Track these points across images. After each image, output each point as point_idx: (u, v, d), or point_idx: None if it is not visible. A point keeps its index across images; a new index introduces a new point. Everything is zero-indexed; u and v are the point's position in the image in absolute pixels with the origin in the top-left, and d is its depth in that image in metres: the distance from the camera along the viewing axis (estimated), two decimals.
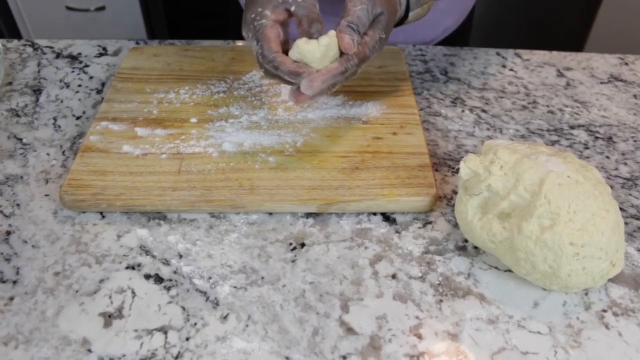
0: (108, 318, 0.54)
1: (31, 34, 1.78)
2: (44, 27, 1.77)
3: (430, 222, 0.64)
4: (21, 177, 0.68)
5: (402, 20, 0.70)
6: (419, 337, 0.53)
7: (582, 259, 0.53)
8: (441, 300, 0.56)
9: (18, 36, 1.76)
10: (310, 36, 0.61)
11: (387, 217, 0.64)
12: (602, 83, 0.86)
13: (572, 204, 0.54)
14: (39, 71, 0.85)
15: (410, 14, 0.70)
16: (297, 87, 0.62)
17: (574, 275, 0.53)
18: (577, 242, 0.52)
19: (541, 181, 0.55)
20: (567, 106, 0.81)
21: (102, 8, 1.74)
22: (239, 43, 0.90)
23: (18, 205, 0.64)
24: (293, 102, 0.64)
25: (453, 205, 0.66)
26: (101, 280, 0.57)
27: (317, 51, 0.59)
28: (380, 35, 0.63)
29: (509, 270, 0.59)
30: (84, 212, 0.63)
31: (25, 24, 1.77)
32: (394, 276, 0.58)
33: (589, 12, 1.96)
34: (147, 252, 0.59)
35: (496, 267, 0.59)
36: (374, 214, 0.64)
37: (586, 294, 0.57)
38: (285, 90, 0.76)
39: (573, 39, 2.04)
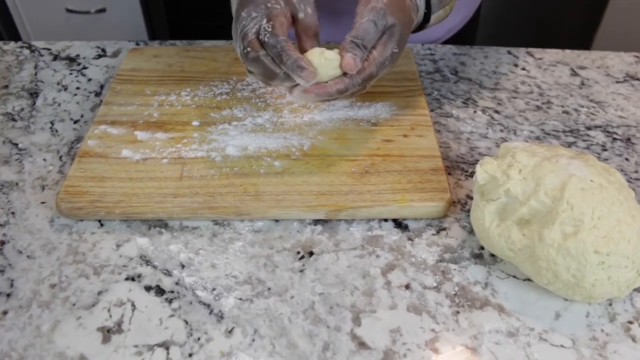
0: (107, 333, 0.51)
1: (31, 36, 1.76)
2: (43, 29, 1.75)
3: (444, 229, 0.61)
4: (16, 184, 0.65)
5: (422, 25, 0.66)
6: (436, 351, 0.50)
7: (607, 268, 0.50)
8: (458, 312, 0.53)
9: (18, 39, 1.74)
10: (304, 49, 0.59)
11: (399, 224, 0.61)
12: (617, 82, 0.83)
13: (596, 209, 0.51)
14: (35, 74, 0.82)
15: (433, 17, 0.65)
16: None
17: (598, 285, 0.51)
18: (602, 250, 0.49)
19: (563, 186, 0.52)
20: (582, 106, 0.78)
21: (102, 10, 1.72)
22: None
23: (13, 213, 0.62)
24: (288, 92, 0.59)
25: (468, 211, 0.63)
26: (99, 293, 0.54)
27: (324, 64, 0.57)
28: (393, 50, 0.58)
29: (528, 279, 0.56)
30: (81, 221, 0.60)
31: (25, 27, 1.75)
32: (407, 286, 0.55)
33: (596, 10, 1.93)
34: (148, 262, 0.57)
35: (514, 276, 0.56)
36: (385, 220, 0.61)
37: (610, 305, 0.54)
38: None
39: (579, 37, 2.01)
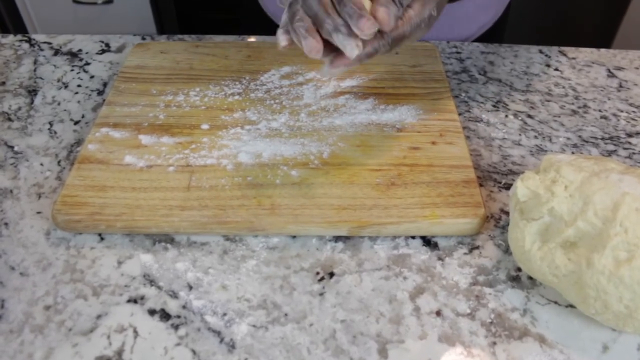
0: None
1: (37, 29, 1.71)
2: (50, 22, 1.70)
3: (477, 247, 0.55)
4: (11, 191, 0.60)
5: None
6: None
7: None
8: (495, 343, 0.48)
9: (24, 32, 1.69)
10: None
11: (427, 241, 0.55)
12: None
13: None
14: (35, 70, 0.77)
15: None
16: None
17: None
18: None
19: (615, 205, 0.47)
20: (621, 111, 0.72)
21: (109, 1, 1.66)
22: (252, 39, 0.82)
23: (6, 224, 0.56)
24: (325, 72, 0.51)
25: (502, 227, 0.57)
26: (98, 316, 0.49)
27: None
28: (432, 12, 0.51)
29: (571, 305, 0.51)
30: (80, 234, 0.55)
31: (32, 19, 1.70)
32: (438, 313, 0.50)
33: (617, 7, 1.86)
34: (152, 282, 0.51)
35: (556, 302, 0.51)
36: (413, 237, 0.55)
37: None
38: (308, 92, 0.68)
39: (599, 35, 1.94)
